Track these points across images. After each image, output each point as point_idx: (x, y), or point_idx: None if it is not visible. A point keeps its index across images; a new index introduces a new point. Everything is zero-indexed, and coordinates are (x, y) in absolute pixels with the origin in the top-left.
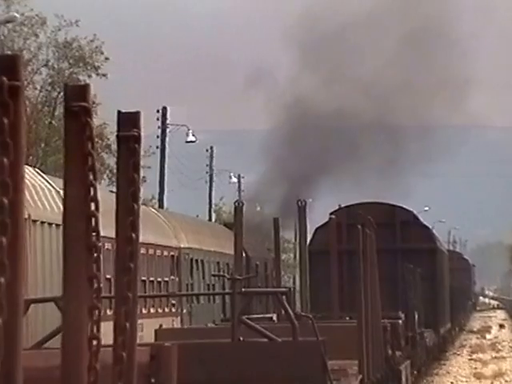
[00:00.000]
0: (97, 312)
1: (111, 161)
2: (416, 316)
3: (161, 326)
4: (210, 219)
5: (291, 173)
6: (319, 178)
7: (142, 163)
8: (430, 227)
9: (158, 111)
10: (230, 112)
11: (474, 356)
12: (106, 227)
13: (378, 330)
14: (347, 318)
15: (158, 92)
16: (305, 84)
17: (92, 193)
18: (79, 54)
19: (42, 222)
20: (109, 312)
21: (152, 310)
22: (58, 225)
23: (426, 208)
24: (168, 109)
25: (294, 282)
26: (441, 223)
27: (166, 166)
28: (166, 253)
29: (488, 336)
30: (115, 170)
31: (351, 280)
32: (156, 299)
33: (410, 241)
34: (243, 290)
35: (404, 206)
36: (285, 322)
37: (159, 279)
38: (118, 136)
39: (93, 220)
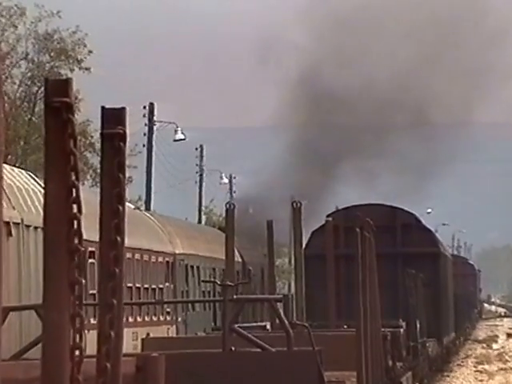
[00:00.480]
0: (79, 320)
1: (95, 160)
2: (418, 325)
3: (148, 334)
4: (199, 222)
5: (291, 173)
6: (325, 178)
7: (127, 163)
8: (433, 230)
9: (144, 107)
10: (221, 109)
11: (480, 367)
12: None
13: (378, 339)
14: (345, 327)
15: (145, 87)
16: (320, 72)
17: (74, 194)
18: (61, 47)
19: (36, 227)
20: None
21: (146, 319)
22: None
23: (429, 210)
24: (155, 105)
25: (289, 289)
26: (444, 226)
27: (153, 165)
28: (160, 259)
29: (495, 346)
30: (99, 170)
31: (349, 286)
32: (151, 307)
33: (411, 245)
34: (235, 296)
35: (405, 208)
36: (279, 331)
37: (154, 286)
38: (101, 134)
39: (75, 223)
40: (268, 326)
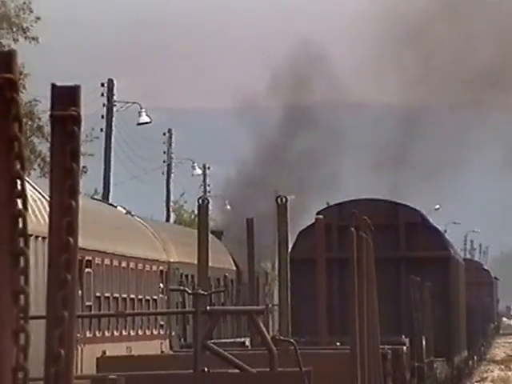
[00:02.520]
0: (24, 336)
1: (43, 147)
2: (424, 342)
3: (104, 352)
4: (167, 220)
5: (277, 162)
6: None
7: (82, 150)
8: (442, 230)
9: (102, 85)
10: (192, 86)
11: None
12: (103, 240)
13: (376, 358)
14: (337, 344)
15: (103, 61)
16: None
17: (19, 186)
18: (1, 12)
19: (44, 238)
20: (116, 333)
21: (140, 332)
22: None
23: (437, 206)
24: (115, 82)
25: (272, 298)
26: (455, 225)
27: (112, 153)
28: (154, 268)
29: None
30: (48, 159)
31: (343, 296)
32: (144, 320)
33: (416, 248)
34: (208, 308)
35: (409, 205)
36: (260, 349)
37: (148, 297)
38: (51, 116)
39: (20, 221)
40: (247, 343)
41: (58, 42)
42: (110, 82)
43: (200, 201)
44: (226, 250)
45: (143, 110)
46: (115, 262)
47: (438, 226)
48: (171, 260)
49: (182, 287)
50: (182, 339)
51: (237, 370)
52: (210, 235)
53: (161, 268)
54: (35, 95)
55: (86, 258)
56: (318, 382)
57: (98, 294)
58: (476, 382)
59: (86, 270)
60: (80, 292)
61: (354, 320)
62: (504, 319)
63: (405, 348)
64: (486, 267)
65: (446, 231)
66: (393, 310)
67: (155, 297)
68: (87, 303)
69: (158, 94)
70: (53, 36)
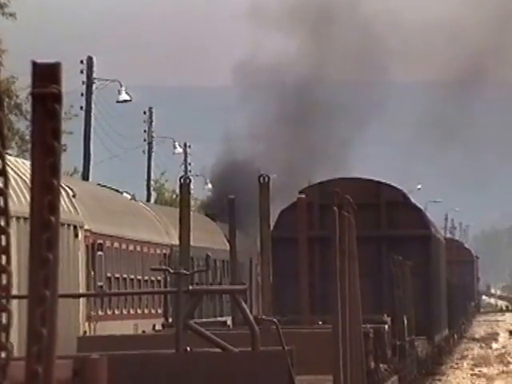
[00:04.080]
0: (6, 315)
1: (21, 124)
2: (405, 320)
3: (85, 332)
4: (148, 199)
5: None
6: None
7: (62, 127)
8: (423, 209)
9: (82, 62)
10: (172, 64)
11: (477, 370)
12: (113, 224)
13: (358, 337)
14: (319, 323)
15: (83, 38)
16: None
17: (0, 165)
18: None
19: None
20: (133, 311)
21: (146, 311)
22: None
23: (419, 186)
24: (94, 59)
25: None
26: (436, 204)
27: (92, 131)
28: (158, 251)
29: (494, 345)
30: (27, 137)
31: (325, 275)
32: (149, 299)
33: (398, 226)
34: (191, 287)
35: (391, 183)
36: (242, 328)
37: (152, 279)
38: (32, 93)
39: (0, 199)
40: (229, 322)
41: (36, 18)
42: (90, 58)
43: (181, 179)
44: (221, 232)
45: (123, 87)
46: (123, 246)
47: (419, 205)
48: (173, 243)
49: (164, 267)
50: (164, 318)
51: (219, 350)
52: (206, 218)
53: (164, 251)
54: (13, 72)
55: (98, 241)
56: (300, 362)
57: (108, 275)
58: (456, 359)
59: (98, 252)
60: (92, 273)
61: (336, 299)
62: (484, 297)
63: (386, 326)
64: (466, 246)
65: (426, 209)
66: (374, 288)
67: (159, 278)
68: (99, 283)
69: (137, 72)
70: (31, 12)
